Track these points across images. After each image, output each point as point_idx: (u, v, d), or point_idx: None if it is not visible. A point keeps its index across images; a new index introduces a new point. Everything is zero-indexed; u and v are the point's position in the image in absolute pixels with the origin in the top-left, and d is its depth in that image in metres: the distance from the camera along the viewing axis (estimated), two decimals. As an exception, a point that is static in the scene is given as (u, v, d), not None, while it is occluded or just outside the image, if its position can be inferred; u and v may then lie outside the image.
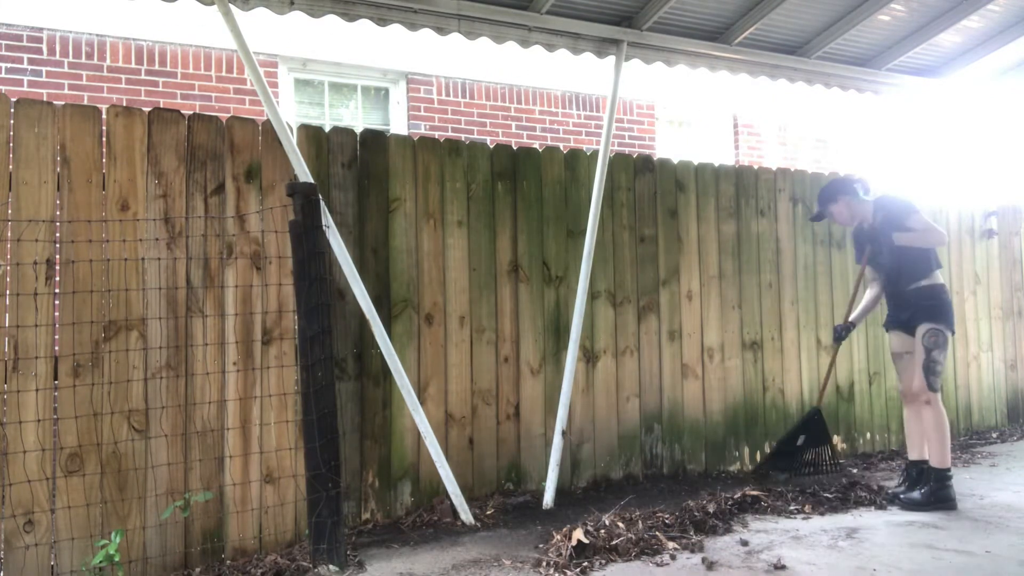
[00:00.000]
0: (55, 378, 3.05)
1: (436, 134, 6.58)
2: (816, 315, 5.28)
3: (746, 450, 4.95)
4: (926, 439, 4.04)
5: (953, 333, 4.08)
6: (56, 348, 3.06)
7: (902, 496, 4.00)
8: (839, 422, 5.31)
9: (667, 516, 3.60)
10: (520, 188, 4.32)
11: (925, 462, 4.07)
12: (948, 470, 3.94)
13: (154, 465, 3.21)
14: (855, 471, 4.89)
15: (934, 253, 4.13)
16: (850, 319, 4.39)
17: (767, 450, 5.00)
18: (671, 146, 8.04)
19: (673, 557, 3.16)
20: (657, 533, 3.36)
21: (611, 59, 4.45)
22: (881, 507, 3.95)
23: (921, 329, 4.01)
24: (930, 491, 3.91)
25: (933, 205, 5.98)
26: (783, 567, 3.03)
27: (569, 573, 3.01)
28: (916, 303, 4.07)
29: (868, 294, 4.45)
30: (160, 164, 3.32)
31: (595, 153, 4.51)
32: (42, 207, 3.06)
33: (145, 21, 5.69)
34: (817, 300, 5.29)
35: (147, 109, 3.33)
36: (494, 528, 3.70)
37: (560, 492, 4.13)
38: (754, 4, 4.42)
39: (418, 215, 4.01)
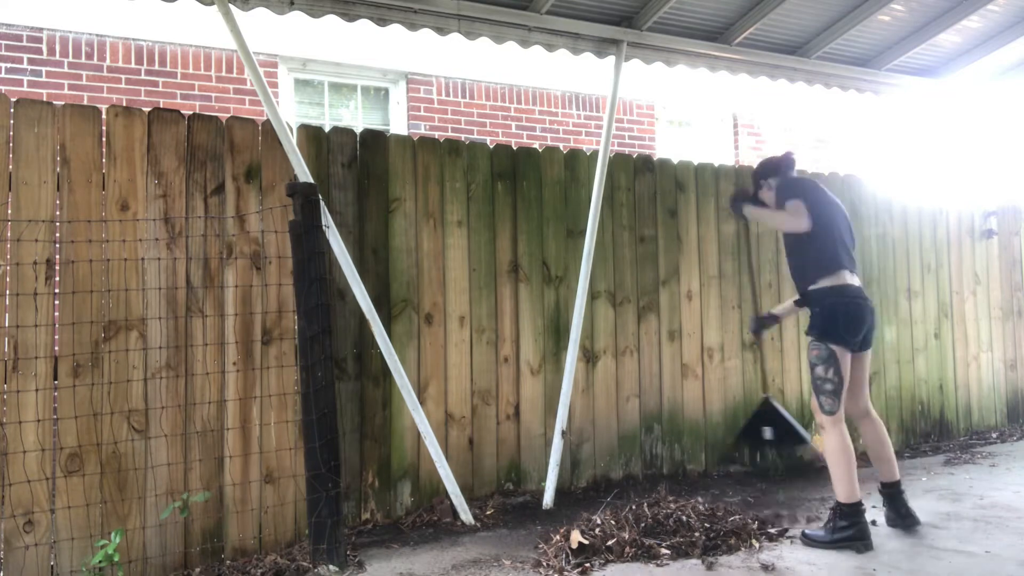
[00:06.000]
0: (55, 378, 3.05)
1: (436, 134, 6.58)
2: (816, 315, 5.27)
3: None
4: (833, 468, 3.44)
5: (843, 346, 3.42)
6: (56, 348, 3.06)
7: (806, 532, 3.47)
8: (839, 422, 5.31)
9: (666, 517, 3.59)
10: (520, 188, 4.32)
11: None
12: (856, 503, 3.36)
13: (154, 465, 3.21)
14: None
15: (836, 248, 3.53)
16: (772, 311, 4.06)
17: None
18: (671, 146, 8.04)
19: (672, 557, 3.16)
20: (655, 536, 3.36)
21: (611, 59, 4.45)
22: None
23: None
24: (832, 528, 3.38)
25: (933, 205, 5.99)
26: (783, 567, 3.03)
27: (568, 573, 3.01)
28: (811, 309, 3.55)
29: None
30: (160, 164, 3.32)
31: (595, 153, 4.51)
32: (42, 207, 3.06)
33: (145, 21, 5.69)
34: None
35: (147, 109, 3.33)
36: (494, 528, 3.70)
37: (560, 492, 4.13)
38: (754, 4, 4.41)
39: (418, 215, 4.01)
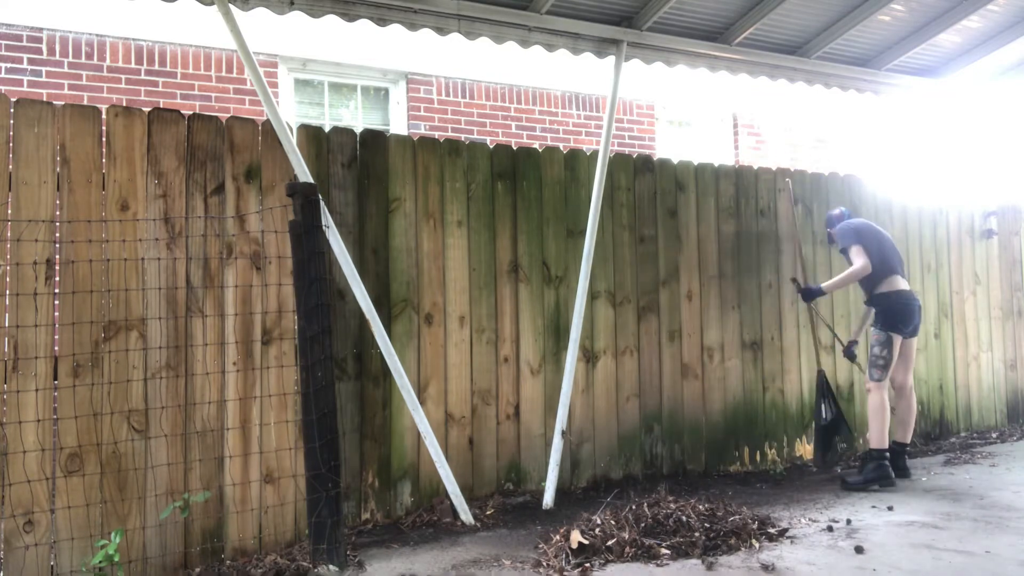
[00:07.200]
0: (55, 378, 3.05)
1: (436, 134, 6.58)
2: (816, 315, 5.28)
3: (746, 450, 4.95)
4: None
5: (897, 333, 4.54)
6: (56, 348, 3.06)
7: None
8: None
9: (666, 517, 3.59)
10: (520, 188, 4.32)
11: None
12: (883, 450, 4.47)
13: (154, 465, 3.21)
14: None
15: (886, 262, 4.60)
16: (821, 285, 4.84)
17: (767, 450, 5.00)
18: (671, 146, 8.04)
19: (672, 557, 3.16)
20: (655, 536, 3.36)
21: (611, 59, 4.45)
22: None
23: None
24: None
25: (933, 205, 5.99)
26: (783, 567, 3.03)
27: (569, 573, 3.01)
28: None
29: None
30: (160, 164, 3.32)
31: (595, 153, 4.51)
32: (42, 207, 3.06)
33: (145, 21, 5.69)
34: (817, 299, 5.28)
35: (147, 109, 3.33)
36: (494, 528, 3.70)
37: (560, 492, 4.13)
38: (754, 4, 4.41)
39: (418, 215, 4.01)
